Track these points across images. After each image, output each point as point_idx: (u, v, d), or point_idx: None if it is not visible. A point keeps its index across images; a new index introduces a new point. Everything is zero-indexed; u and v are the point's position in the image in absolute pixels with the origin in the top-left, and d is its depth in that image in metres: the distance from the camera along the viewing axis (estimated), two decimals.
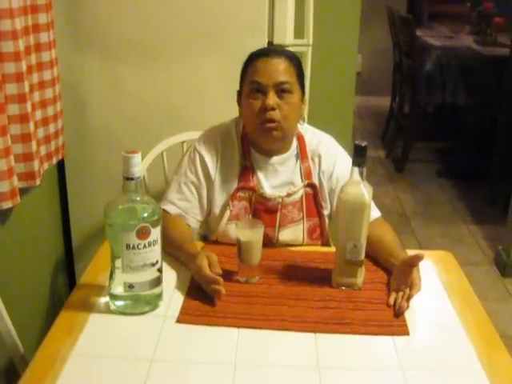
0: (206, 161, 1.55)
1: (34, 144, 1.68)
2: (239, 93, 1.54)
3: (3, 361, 1.64)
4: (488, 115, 3.88)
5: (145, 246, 1.19)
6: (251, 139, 1.55)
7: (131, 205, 1.20)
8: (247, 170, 1.54)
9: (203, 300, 1.28)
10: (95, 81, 2.05)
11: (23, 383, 1.06)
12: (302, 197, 1.55)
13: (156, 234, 1.20)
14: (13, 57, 1.56)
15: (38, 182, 1.74)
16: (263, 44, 1.95)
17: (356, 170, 1.28)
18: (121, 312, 1.24)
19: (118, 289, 1.23)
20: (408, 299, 1.27)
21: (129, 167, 1.16)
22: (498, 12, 4.50)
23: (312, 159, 1.58)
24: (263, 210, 1.54)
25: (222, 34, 1.97)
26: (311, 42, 2.10)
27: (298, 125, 1.56)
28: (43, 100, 1.80)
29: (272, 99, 1.45)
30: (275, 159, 1.55)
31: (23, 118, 1.63)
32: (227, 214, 1.53)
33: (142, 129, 2.07)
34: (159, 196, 1.60)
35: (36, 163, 1.71)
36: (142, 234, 1.18)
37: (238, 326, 1.21)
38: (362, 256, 1.33)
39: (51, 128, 1.86)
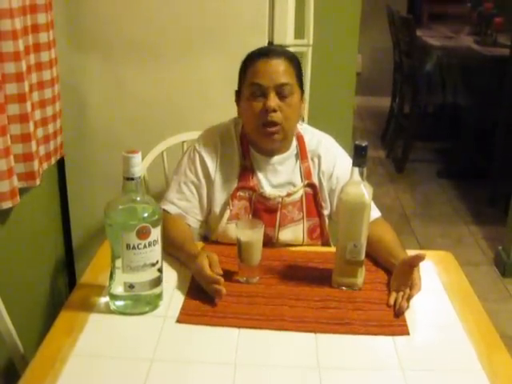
0: (206, 160, 1.55)
1: (33, 144, 1.68)
2: (238, 93, 1.54)
3: (3, 361, 1.64)
4: (488, 115, 3.88)
5: (145, 246, 1.19)
6: (251, 139, 1.55)
7: (131, 205, 1.20)
8: (247, 169, 1.54)
9: (203, 300, 1.28)
10: (96, 81, 2.05)
11: (23, 383, 1.06)
12: (301, 197, 1.55)
13: (156, 233, 1.20)
14: (13, 57, 1.56)
15: (37, 181, 1.74)
16: (264, 44, 1.95)
17: (356, 170, 1.27)
18: (121, 312, 1.24)
19: (118, 289, 1.23)
20: (408, 299, 1.27)
21: (129, 167, 1.16)
22: (498, 12, 4.50)
23: (312, 159, 1.58)
24: (263, 209, 1.54)
25: (222, 34, 1.98)
26: (311, 42, 2.10)
27: (298, 124, 1.57)
28: (42, 100, 1.80)
29: (273, 101, 1.45)
30: (275, 159, 1.55)
31: (23, 118, 1.63)
32: (227, 213, 1.53)
33: (143, 129, 2.07)
34: (159, 196, 1.60)
35: (36, 163, 1.71)
36: (142, 233, 1.18)
37: (238, 326, 1.21)
38: (362, 256, 1.33)
39: (50, 128, 1.86)
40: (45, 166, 1.85)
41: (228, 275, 1.34)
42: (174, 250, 1.44)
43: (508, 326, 2.43)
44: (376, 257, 1.45)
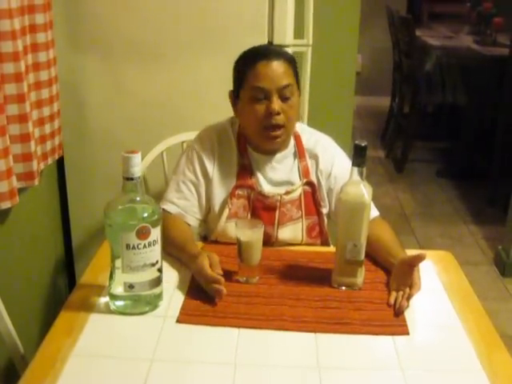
0: (204, 159, 1.55)
1: (32, 144, 1.68)
2: (233, 93, 1.54)
3: (3, 361, 1.64)
4: (488, 115, 3.88)
5: (145, 246, 1.19)
6: (250, 140, 1.55)
7: (131, 205, 1.20)
8: (245, 168, 1.55)
9: (203, 300, 1.28)
10: (95, 81, 2.05)
11: (23, 383, 1.06)
12: (300, 195, 1.56)
13: (156, 234, 1.20)
14: (12, 57, 1.56)
15: (36, 181, 1.74)
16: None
17: (356, 170, 1.27)
18: (121, 312, 1.24)
19: (118, 289, 1.23)
20: (408, 298, 1.27)
21: (129, 167, 1.16)
22: (498, 12, 4.50)
23: (309, 158, 1.58)
24: (262, 207, 1.54)
25: (222, 34, 1.98)
26: (311, 42, 2.10)
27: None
28: (39, 100, 1.79)
29: (276, 104, 1.45)
30: (273, 157, 1.56)
31: (22, 118, 1.63)
32: (226, 212, 1.53)
33: (142, 128, 2.07)
34: (159, 196, 1.60)
35: (35, 163, 1.71)
36: (142, 234, 1.18)
37: (238, 326, 1.21)
38: (362, 256, 1.33)
39: (47, 128, 1.85)
40: (41, 166, 1.85)
41: (228, 275, 1.34)
42: (174, 250, 1.44)
43: (508, 325, 2.43)
44: (375, 256, 1.45)
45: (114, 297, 1.25)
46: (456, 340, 1.20)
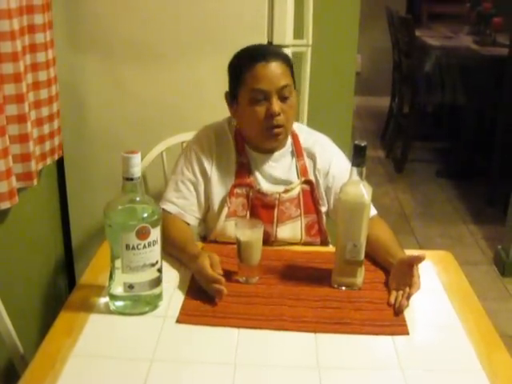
0: (202, 158, 1.56)
1: (31, 144, 1.68)
2: (231, 95, 1.54)
3: (3, 361, 1.64)
4: (487, 115, 3.88)
5: (144, 247, 1.19)
6: (249, 140, 1.55)
7: (131, 205, 1.20)
8: (243, 166, 1.55)
9: (203, 300, 1.28)
10: (95, 81, 2.05)
11: (23, 383, 1.06)
12: (299, 194, 1.56)
13: (156, 234, 1.20)
14: (11, 57, 1.56)
15: (35, 182, 1.74)
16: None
17: (355, 170, 1.27)
18: (120, 312, 1.24)
19: (118, 289, 1.23)
20: (408, 298, 1.27)
21: (128, 167, 1.16)
22: (497, 12, 4.50)
23: (307, 158, 1.59)
24: (261, 205, 1.54)
25: (221, 34, 1.98)
26: (311, 42, 2.10)
27: None
28: (38, 100, 1.79)
29: (277, 105, 1.46)
30: (271, 156, 1.56)
31: (21, 119, 1.63)
32: (225, 210, 1.53)
33: (142, 129, 2.07)
34: (159, 196, 1.60)
35: (33, 163, 1.71)
36: (142, 234, 1.18)
37: (238, 326, 1.21)
38: (362, 256, 1.33)
39: (46, 129, 1.85)
40: (40, 166, 1.85)
41: (228, 275, 1.34)
42: (174, 251, 1.44)
43: (508, 325, 2.43)
44: (373, 255, 1.45)
45: (113, 297, 1.25)
46: (456, 340, 1.20)
